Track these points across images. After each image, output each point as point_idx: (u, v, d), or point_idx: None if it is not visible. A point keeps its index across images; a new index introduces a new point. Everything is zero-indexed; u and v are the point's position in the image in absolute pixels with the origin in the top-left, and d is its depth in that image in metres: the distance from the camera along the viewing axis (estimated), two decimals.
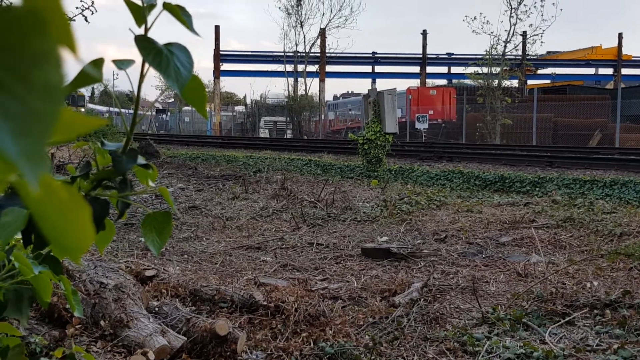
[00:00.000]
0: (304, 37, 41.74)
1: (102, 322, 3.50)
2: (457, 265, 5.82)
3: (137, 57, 0.80)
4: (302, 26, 40.71)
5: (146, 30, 0.75)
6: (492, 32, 29.81)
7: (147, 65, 0.74)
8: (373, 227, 7.86)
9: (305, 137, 33.90)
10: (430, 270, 5.53)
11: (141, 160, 0.83)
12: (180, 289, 4.50)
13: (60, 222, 0.43)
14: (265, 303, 4.14)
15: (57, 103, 0.37)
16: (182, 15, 0.74)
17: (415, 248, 6.44)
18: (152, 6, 0.75)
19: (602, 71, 49.94)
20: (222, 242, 7.03)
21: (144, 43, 0.72)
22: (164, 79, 0.72)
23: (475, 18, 30.35)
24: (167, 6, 0.74)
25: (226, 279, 5.15)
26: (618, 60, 45.51)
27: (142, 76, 0.78)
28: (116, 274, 3.88)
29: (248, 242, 6.96)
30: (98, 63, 0.70)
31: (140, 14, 0.75)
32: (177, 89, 0.73)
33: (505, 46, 29.07)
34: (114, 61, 0.77)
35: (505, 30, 29.07)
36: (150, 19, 0.76)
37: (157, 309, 3.87)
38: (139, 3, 0.75)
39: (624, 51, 46.11)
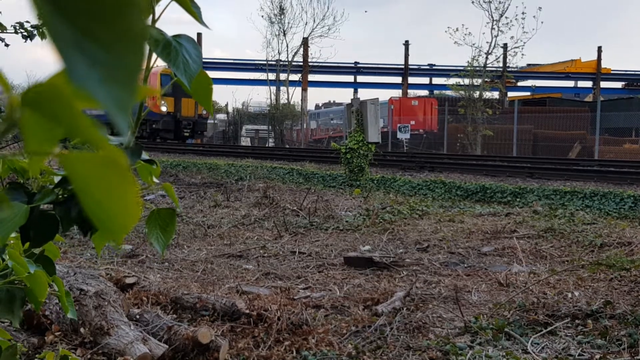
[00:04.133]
0: (287, 46, 41.73)
1: (82, 330, 3.44)
2: (440, 275, 5.83)
3: None
4: (285, 35, 40.76)
5: (154, 21, 0.73)
6: (473, 44, 30.14)
7: (153, 57, 0.72)
8: (355, 236, 7.85)
9: (287, 146, 33.88)
10: (413, 280, 5.53)
11: (145, 155, 0.81)
12: (161, 296, 4.45)
13: (109, 198, 0.41)
14: (247, 311, 4.10)
15: (142, 51, 0.37)
16: (191, 7, 0.72)
17: (397, 257, 6.44)
18: None
19: (582, 84, 50.61)
20: (203, 250, 6.98)
21: (152, 34, 0.70)
22: (173, 71, 0.70)
23: (457, 29, 30.74)
24: None
25: (208, 287, 5.10)
26: (597, 73, 46.13)
27: (148, 69, 0.76)
28: (96, 281, 3.83)
29: (230, 250, 6.91)
30: None
31: (147, 5, 0.72)
32: (186, 82, 0.71)
33: (486, 58, 29.32)
34: None
35: (487, 42, 29.52)
36: (158, 10, 0.74)
37: (138, 316, 3.82)
38: None
39: (603, 64, 46.76)
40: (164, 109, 32.32)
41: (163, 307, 4.26)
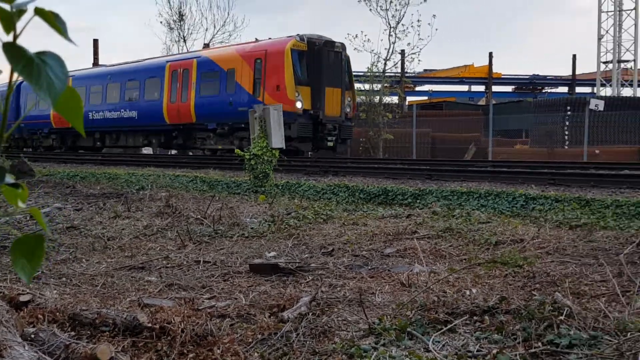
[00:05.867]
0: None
1: None
2: (344, 278, 5.90)
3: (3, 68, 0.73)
4: (185, 41, 40.23)
5: (15, 37, 0.69)
6: (372, 50, 30.82)
7: (15, 75, 0.68)
8: (261, 242, 7.83)
9: (191, 153, 33.33)
10: (318, 284, 5.57)
11: (9, 179, 0.77)
12: (58, 313, 4.27)
13: None
14: (149, 325, 4.00)
15: None
16: (55, 22, 0.69)
17: (303, 262, 6.47)
18: (21, 12, 0.68)
19: (475, 88, 52.84)
20: (103, 263, 6.74)
21: (12, 51, 0.66)
22: (35, 91, 0.66)
23: (356, 36, 31.20)
24: (39, 11, 0.68)
25: (108, 301, 4.94)
26: (489, 77, 48.26)
27: (10, 87, 0.71)
28: None
29: (131, 262, 6.72)
30: None
31: (8, 20, 0.68)
32: (50, 101, 0.67)
33: (385, 64, 30.07)
34: None
35: (385, 49, 30.15)
36: (20, 25, 0.70)
37: (33, 335, 3.65)
38: (7, 8, 0.69)
39: (494, 69, 49.01)
40: (298, 105, 20.51)
41: (60, 325, 4.08)
